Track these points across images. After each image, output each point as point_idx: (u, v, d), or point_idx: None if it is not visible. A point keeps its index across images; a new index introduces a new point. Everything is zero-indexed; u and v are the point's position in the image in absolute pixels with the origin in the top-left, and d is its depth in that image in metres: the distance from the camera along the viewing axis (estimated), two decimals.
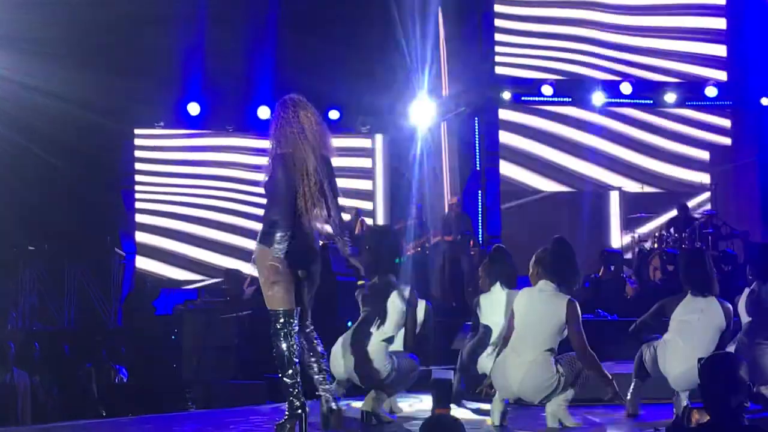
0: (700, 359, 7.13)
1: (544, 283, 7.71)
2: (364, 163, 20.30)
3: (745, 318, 8.68)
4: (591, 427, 8.07)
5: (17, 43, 14.88)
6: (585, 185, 19.26)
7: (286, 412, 6.92)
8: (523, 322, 7.71)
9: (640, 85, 18.91)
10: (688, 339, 8.07)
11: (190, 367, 12.27)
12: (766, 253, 9.02)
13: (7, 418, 11.28)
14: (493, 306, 9.03)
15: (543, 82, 18.65)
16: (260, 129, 19.01)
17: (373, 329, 7.97)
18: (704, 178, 19.06)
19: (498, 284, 9.02)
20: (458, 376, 9.19)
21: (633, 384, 8.44)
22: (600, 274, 16.35)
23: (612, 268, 16.21)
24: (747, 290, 8.73)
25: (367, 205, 19.59)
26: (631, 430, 8.00)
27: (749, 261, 9.80)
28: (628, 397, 8.38)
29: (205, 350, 12.39)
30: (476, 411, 8.75)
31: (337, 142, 22.26)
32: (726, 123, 19.88)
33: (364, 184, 20.17)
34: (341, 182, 22.73)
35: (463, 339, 10.39)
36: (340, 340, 8.15)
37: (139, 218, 18.46)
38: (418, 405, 9.80)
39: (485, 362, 8.85)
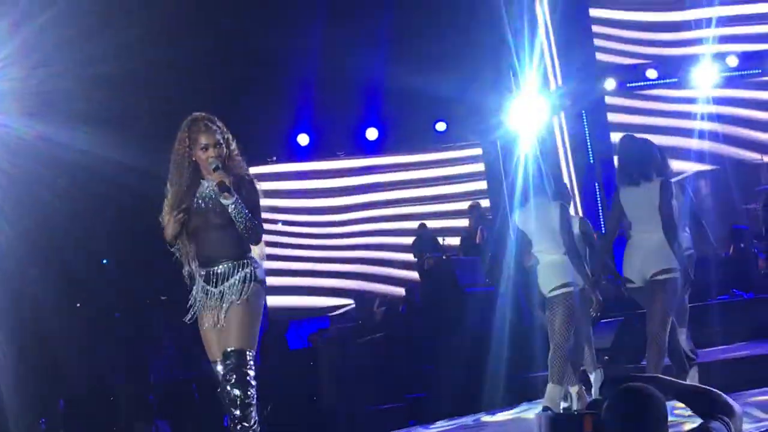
0: None
1: None
2: (477, 168, 19.97)
3: None
4: None
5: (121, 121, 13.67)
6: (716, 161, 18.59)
7: None
8: None
9: (746, 56, 18.40)
10: None
11: (330, 397, 12.33)
12: None
13: None
14: None
15: (646, 66, 18.39)
16: (369, 151, 19.18)
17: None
18: None
19: None
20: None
21: None
22: (730, 252, 15.91)
23: (742, 245, 15.78)
24: None
25: (484, 203, 18.73)
26: None
27: None
28: None
29: (343, 378, 12.44)
30: None
31: (446, 154, 21.81)
32: None
33: (479, 185, 19.85)
34: (456, 187, 22.08)
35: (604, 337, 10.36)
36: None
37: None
38: None
39: None
